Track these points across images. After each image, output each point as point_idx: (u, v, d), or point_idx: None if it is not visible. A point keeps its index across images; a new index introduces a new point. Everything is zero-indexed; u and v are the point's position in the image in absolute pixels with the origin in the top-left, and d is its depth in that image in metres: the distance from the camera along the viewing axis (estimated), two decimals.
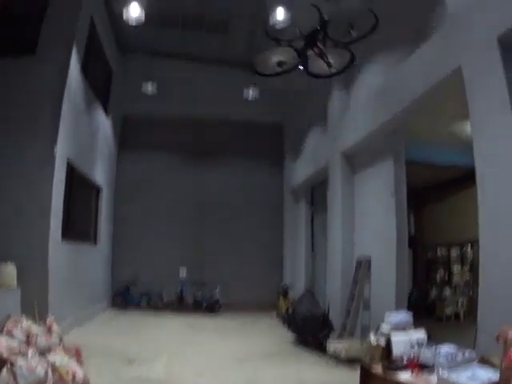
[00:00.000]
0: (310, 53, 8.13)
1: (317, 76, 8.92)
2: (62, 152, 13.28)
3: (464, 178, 15.33)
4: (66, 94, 13.47)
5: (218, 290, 20.02)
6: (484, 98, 7.71)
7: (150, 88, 20.44)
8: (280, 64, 8.44)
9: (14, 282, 9.84)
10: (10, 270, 9.86)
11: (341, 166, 14.72)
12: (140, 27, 16.82)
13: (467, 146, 8.48)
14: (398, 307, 10.66)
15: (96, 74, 17.74)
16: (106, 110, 19.64)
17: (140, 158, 22.51)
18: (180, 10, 18.54)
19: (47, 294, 11.82)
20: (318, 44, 7.97)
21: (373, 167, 13.26)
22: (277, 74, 8.84)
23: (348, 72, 14.45)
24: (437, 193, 19.58)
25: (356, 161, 14.47)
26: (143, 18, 14.40)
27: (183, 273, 21.44)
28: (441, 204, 19.59)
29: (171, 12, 18.58)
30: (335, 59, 8.21)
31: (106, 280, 20.39)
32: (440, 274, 19.77)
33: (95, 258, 18.45)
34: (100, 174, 18.86)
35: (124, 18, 14.42)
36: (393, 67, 11.62)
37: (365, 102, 13.32)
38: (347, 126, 14.33)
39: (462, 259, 18.85)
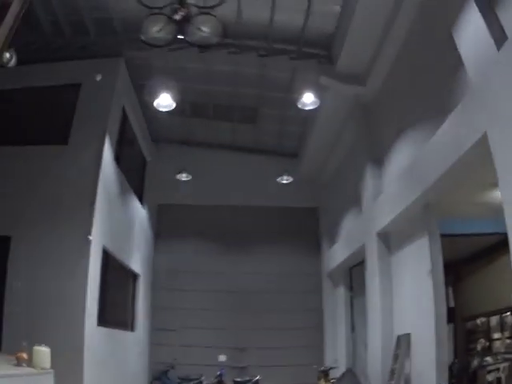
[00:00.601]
0: (177, 17, 8.13)
1: (200, 46, 9.25)
2: (97, 240, 13.52)
3: (498, 246, 15.16)
4: (99, 184, 13.83)
5: (258, 376, 19.65)
6: None
7: (183, 177, 20.87)
8: (160, 32, 8.40)
9: (48, 364, 9.79)
10: (44, 352, 9.83)
11: (377, 247, 14.62)
12: (173, 117, 17.32)
13: (499, 213, 8.36)
14: (438, 381, 10.41)
15: (130, 163, 18.25)
16: (140, 199, 19.99)
17: (176, 246, 22.65)
18: (211, 101, 19.05)
19: (82, 378, 11.79)
20: (183, 8, 8.10)
21: (408, 245, 13.12)
22: (163, 45, 8.88)
23: (379, 151, 14.77)
24: (473, 263, 19.19)
25: (392, 240, 14.38)
26: (174, 105, 14.77)
27: (222, 358, 21.17)
28: (477, 274, 19.15)
29: (202, 103, 19.10)
30: (206, 26, 8.31)
31: (144, 365, 20.23)
32: (480, 343, 19.26)
33: (132, 344, 18.36)
34: (137, 262, 19.02)
35: (155, 105, 14.80)
36: (421, 143, 11.66)
37: (396, 181, 13.34)
38: (381, 205, 14.34)
39: (502, 326, 18.39)
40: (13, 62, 11.18)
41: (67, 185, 13.57)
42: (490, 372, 17.10)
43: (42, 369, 9.57)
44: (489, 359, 17.58)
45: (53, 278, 12.61)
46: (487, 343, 18.98)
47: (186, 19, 8.21)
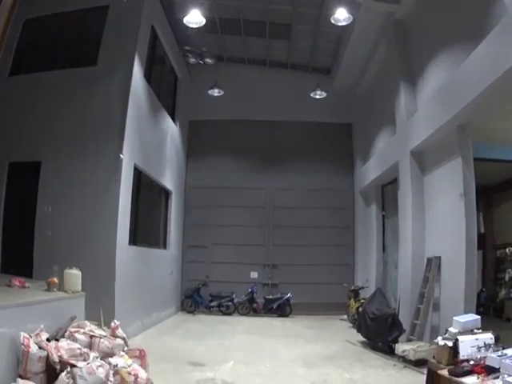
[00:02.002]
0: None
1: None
2: (128, 158, 13.48)
3: None
4: (130, 103, 13.70)
5: (289, 293, 19.92)
6: None
7: (216, 93, 20.71)
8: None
9: (79, 287, 9.93)
10: (75, 275, 9.96)
11: (410, 165, 14.40)
12: (203, 34, 16.91)
13: None
14: (467, 308, 10.40)
15: (161, 81, 18.10)
16: (172, 117, 19.87)
17: (208, 162, 22.65)
18: (242, 16, 18.59)
19: (114, 298, 12.02)
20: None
21: (441, 167, 12.89)
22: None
23: (413, 69, 14.41)
24: (505, 191, 19.05)
25: (425, 161, 14.13)
26: (203, 21, 14.48)
27: (254, 275, 21.45)
28: (510, 202, 19.01)
29: (233, 18, 18.67)
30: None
31: (176, 284, 20.57)
32: (509, 274, 19.22)
33: (165, 262, 18.60)
34: (169, 179, 19.10)
35: (185, 22, 14.52)
36: (456, 64, 11.33)
37: (430, 100, 13.03)
38: (415, 124, 14.05)
39: None
40: None
41: (97, 106, 13.48)
42: None
43: (73, 292, 9.71)
44: None
45: (84, 200, 12.74)
46: None
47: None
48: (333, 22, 15.22)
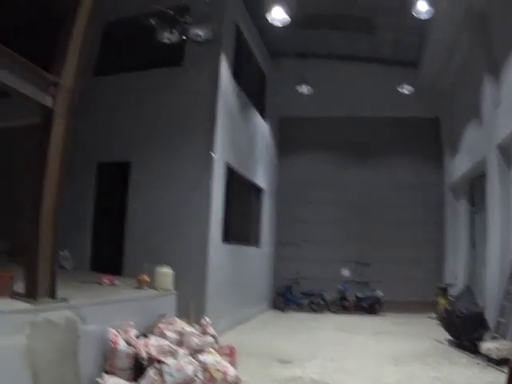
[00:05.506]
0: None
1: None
2: (220, 157, 13.94)
3: None
4: (219, 101, 14.06)
5: (379, 291, 19.94)
6: None
7: (304, 89, 20.76)
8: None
9: (170, 285, 10.22)
10: (166, 273, 10.25)
11: (497, 161, 14.03)
12: (287, 30, 17.05)
13: None
14: None
15: (248, 79, 18.34)
16: (262, 114, 20.17)
17: (299, 160, 22.92)
18: (324, 11, 18.63)
19: (205, 295, 12.46)
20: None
21: None
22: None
23: (497, 61, 14.10)
24: None
25: None
26: (288, 19, 14.57)
27: (346, 272, 21.51)
28: None
29: (316, 13, 18.68)
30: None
31: (268, 281, 20.89)
32: None
33: (257, 259, 18.97)
34: (261, 176, 19.49)
35: (269, 20, 14.64)
36: None
37: None
38: (500, 116, 13.71)
39: None
40: None
41: (186, 105, 13.91)
42: None
43: (165, 290, 10.07)
44: None
45: (174, 198, 13.24)
46: None
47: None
48: (415, 14, 15.09)
